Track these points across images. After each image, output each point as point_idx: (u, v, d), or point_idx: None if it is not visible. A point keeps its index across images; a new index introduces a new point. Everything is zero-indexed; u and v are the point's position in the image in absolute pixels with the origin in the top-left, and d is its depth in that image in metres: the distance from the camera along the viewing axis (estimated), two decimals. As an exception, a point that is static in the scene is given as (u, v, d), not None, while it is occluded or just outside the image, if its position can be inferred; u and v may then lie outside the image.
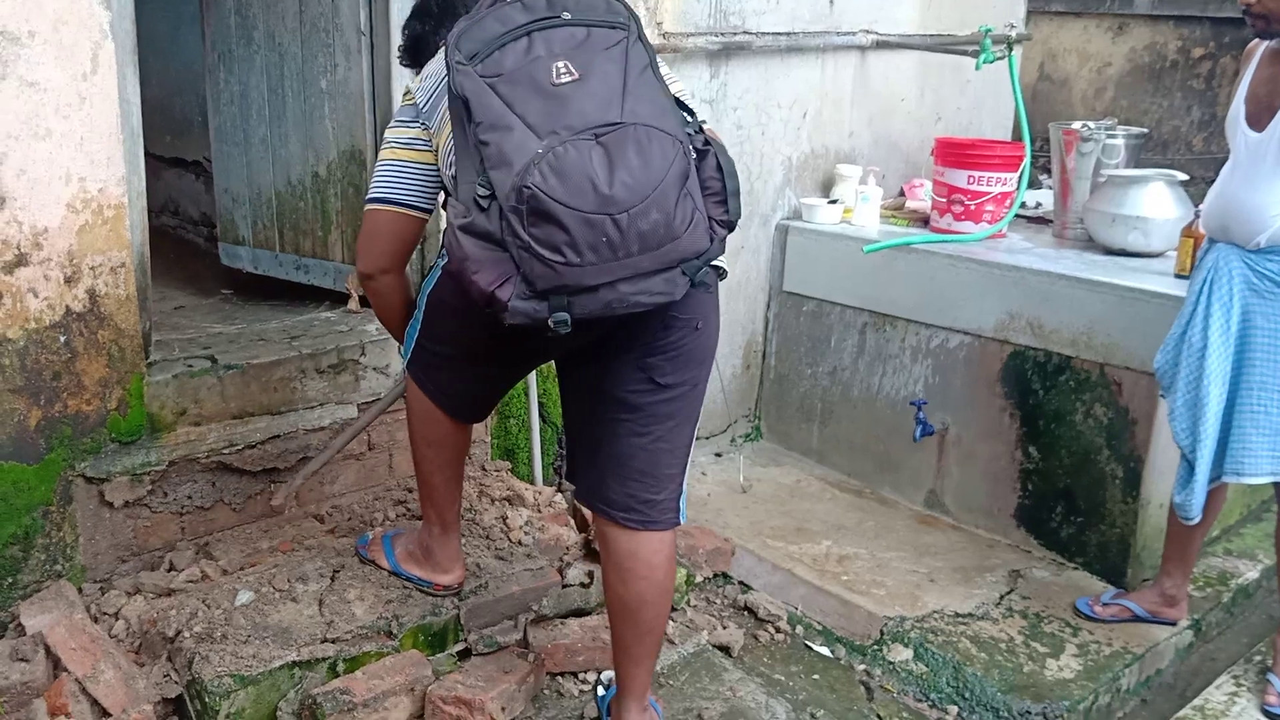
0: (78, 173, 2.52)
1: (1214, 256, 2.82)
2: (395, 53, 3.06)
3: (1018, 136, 4.15)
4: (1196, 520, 2.91)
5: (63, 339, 2.58)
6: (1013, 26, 4.03)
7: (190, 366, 2.86)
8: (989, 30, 3.95)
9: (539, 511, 3.17)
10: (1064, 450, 3.51)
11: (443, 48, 2.03)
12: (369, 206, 2.19)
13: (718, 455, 4.19)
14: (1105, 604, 3.21)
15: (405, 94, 2.21)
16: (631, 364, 2.14)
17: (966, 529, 3.74)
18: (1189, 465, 2.87)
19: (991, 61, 4.00)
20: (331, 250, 3.36)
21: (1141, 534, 3.39)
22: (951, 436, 3.79)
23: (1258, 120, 2.72)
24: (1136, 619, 3.17)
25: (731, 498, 3.87)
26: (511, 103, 1.81)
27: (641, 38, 1.93)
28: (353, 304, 3.35)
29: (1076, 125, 3.90)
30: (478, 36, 1.85)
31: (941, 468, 3.84)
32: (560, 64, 1.83)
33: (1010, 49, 4.00)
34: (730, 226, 1.95)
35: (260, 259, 3.56)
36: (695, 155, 1.89)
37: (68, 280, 2.56)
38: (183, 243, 4.46)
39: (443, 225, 3.11)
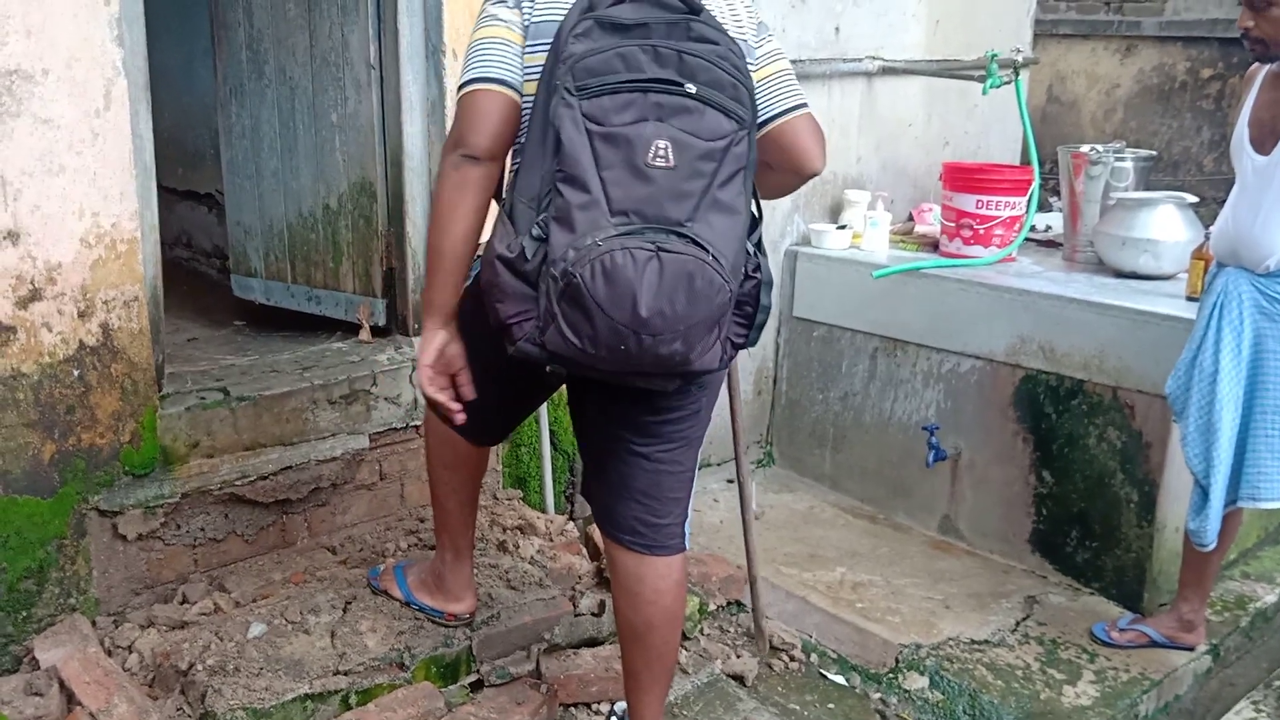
0: (91, 208, 2.54)
1: (1223, 280, 2.83)
2: (404, 86, 3.11)
3: (1026, 160, 4.16)
4: (1212, 546, 2.90)
5: (76, 373, 2.59)
6: (1019, 51, 4.05)
7: (203, 399, 2.88)
8: (995, 55, 3.96)
9: (551, 540, 3.16)
10: (1078, 474, 3.50)
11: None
12: (473, 88, 1.97)
13: (729, 481, 4.18)
14: (1122, 629, 3.19)
15: None
16: (635, 389, 2.13)
17: (981, 554, 3.72)
18: (1203, 491, 2.86)
19: (998, 86, 4.01)
20: (343, 281, 3.38)
21: (1157, 558, 3.37)
22: (965, 461, 3.78)
23: (1262, 144, 2.73)
24: (1154, 644, 3.15)
25: (740, 527, 3.85)
26: (601, 164, 1.78)
27: (751, 133, 1.88)
28: (364, 334, 3.36)
29: (1085, 149, 3.90)
30: (595, 68, 1.79)
31: (955, 493, 3.83)
32: (662, 144, 1.79)
33: (1017, 73, 4.02)
34: (744, 348, 1.98)
35: (272, 290, 3.58)
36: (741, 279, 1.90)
37: (81, 314, 2.58)
38: (195, 275, 4.49)
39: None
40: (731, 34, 1.94)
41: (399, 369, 3.19)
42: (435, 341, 2.08)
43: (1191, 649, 3.15)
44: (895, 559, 3.66)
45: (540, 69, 1.93)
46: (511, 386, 2.30)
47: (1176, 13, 6.36)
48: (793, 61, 2.07)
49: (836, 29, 4.12)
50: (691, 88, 1.81)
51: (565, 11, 1.91)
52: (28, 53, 2.39)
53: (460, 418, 2.12)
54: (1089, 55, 6.51)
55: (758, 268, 1.93)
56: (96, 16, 2.47)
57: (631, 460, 2.19)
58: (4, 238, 2.43)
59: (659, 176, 1.79)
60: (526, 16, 1.97)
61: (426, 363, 2.09)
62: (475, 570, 2.91)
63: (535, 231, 1.81)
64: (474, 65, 1.98)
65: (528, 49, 1.96)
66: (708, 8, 1.95)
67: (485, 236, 2.00)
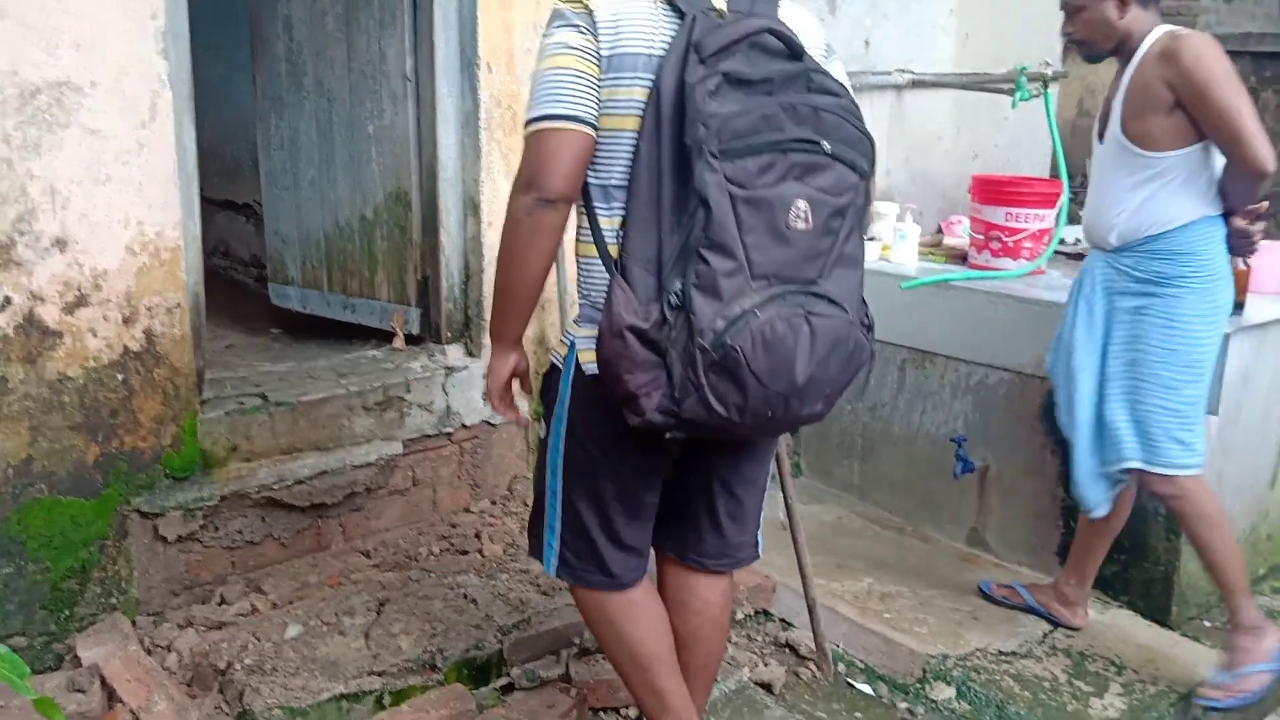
0: (136, 216, 2.61)
1: (1085, 262, 3.04)
2: (440, 98, 3.17)
3: (1056, 173, 4.17)
4: (1099, 513, 3.04)
5: (120, 377, 2.65)
6: (1048, 64, 4.06)
7: (242, 404, 2.93)
8: (1024, 69, 3.98)
9: (581, 547, 3.19)
10: (1106, 487, 3.48)
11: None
12: (543, 125, 1.83)
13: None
14: (1001, 585, 3.34)
15: None
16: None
17: (1009, 566, 3.71)
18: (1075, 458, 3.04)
19: (1027, 99, 4.02)
20: (378, 290, 3.44)
21: (1185, 571, 3.36)
22: (993, 473, 3.78)
23: (1100, 133, 2.91)
24: (1028, 609, 3.27)
25: (772, 534, 3.81)
26: (743, 228, 1.74)
27: (870, 183, 1.88)
28: (398, 342, 3.41)
29: (1115, 162, 3.90)
30: (741, 130, 1.74)
31: (983, 505, 3.82)
32: (802, 205, 1.77)
33: (1046, 87, 4.03)
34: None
35: (309, 299, 3.64)
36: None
37: (126, 320, 2.64)
38: (234, 283, 4.57)
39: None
40: (815, 55, 1.93)
41: (432, 376, 3.24)
42: (508, 366, 2.07)
43: (1071, 628, 3.21)
44: (923, 570, 3.66)
45: (624, 104, 1.84)
46: (626, 481, 2.06)
47: (1209, 26, 6.34)
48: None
49: (866, 42, 4.14)
50: (827, 146, 1.79)
51: (648, 41, 1.84)
52: (77, 65, 2.46)
53: (525, 419, 2.10)
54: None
55: (867, 313, 1.93)
56: (144, 31, 2.54)
57: (724, 499, 2.15)
58: (52, 245, 2.50)
59: (798, 238, 1.77)
60: (602, 45, 1.84)
61: (499, 384, 2.08)
62: (505, 576, 2.95)
63: (673, 300, 1.74)
64: (545, 99, 1.84)
65: (605, 82, 1.84)
66: (786, 26, 1.91)
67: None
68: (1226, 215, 2.79)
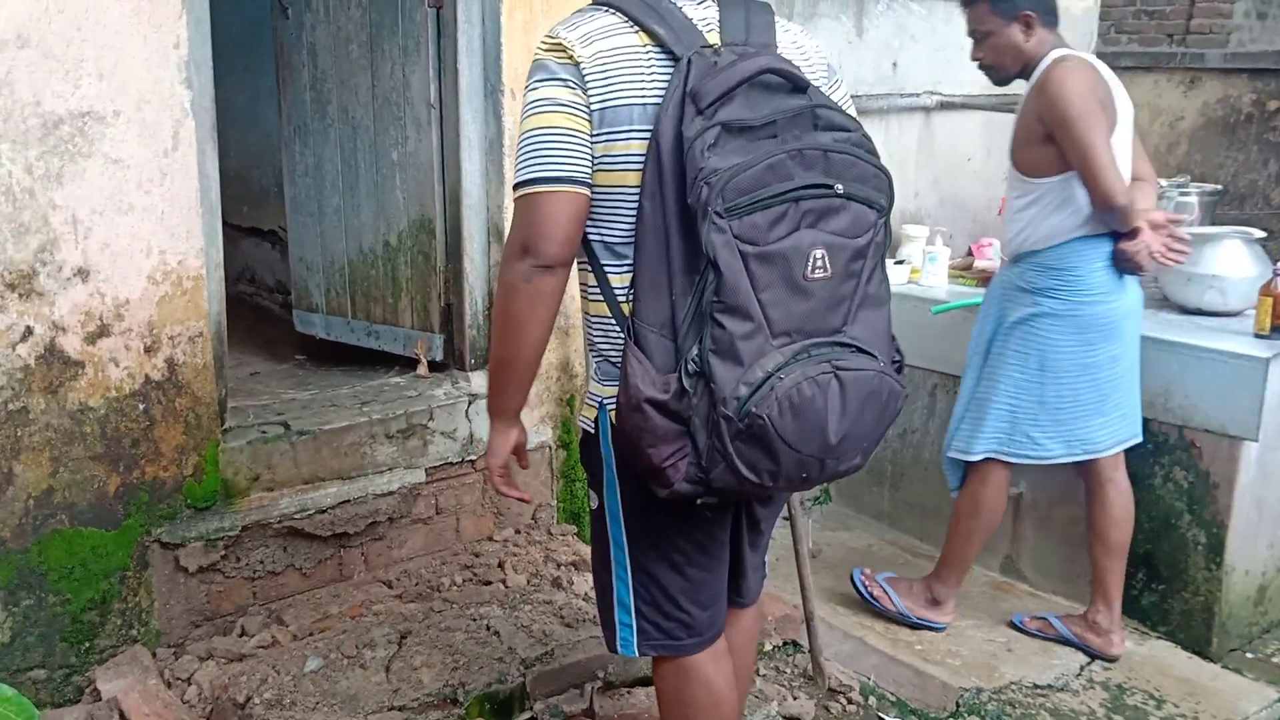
0: (158, 245, 2.60)
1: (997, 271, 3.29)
2: (463, 125, 3.15)
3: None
4: (952, 490, 3.27)
5: (142, 407, 2.64)
6: (1081, 85, 3.99)
7: (264, 433, 2.91)
8: (1056, 89, 3.91)
9: (606, 577, 3.15)
10: (1143, 515, 3.41)
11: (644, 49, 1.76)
12: (535, 190, 1.75)
13: (785, 519, 4.14)
14: (1033, 617, 3.36)
15: (552, 44, 1.79)
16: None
17: (1044, 596, 3.64)
18: None
19: (1059, 120, 3.95)
20: (401, 316, 3.42)
21: (1226, 601, 3.28)
22: (1027, 501, 3.71)
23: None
24: (1063, 640, 3.26)
25: (794, 563, 3.81)
26: (758, 285, 1.67)
27: (888, 218, 1.82)
28: (421, 369, 3.39)
29: (1149, 183, 3.84)
30: (746, 186, 1.65)
31: (1017, 533, 3.76)
32: (819, 254, 1.70)
33: (1078, 108, 3.96)
34: None
35: (333, 325, 3.63)
36: None
37: (147, 350, 2.63)
38: (258, 309, 4.56)
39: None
40: (816, 80, 1.87)
41: (455, 404, 3.21)
42: (508, 443, 1.98)
43: (1108, 659, 3.19)
44: (957, 599, 3.59)
45: (621, 159, 1.76)
46: (701, 531, 1.96)
47: (1241, 44, 6.26)
48: (851, 97, 2.04)
49: (894, 64, 4.11)
50: (840, 188, 1.72)
51: (641, 90, 1.75)
52: (100, 95, 2.46)
53: (528, 496, 2.05)
54: (1152, 88, 6.42)
55: (897, 349, 1.87)
56: (167, 60, 2.54)
57: (750, 534, 2.09)
58: (74, 274, 2.49)
59: (817, 288, 1.71)
60: (592, 99, 1.75)
61: (500, 462, 1.99)
62: (529, 608, 2.91)
63: (691, 367, 1.67)
64: (536, 160, 1.75)
65: (599, 137, 1.76)
66: (778, 48, 1.85)
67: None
68: (1121, 235, 2.90)
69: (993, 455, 3.13)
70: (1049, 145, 2.86)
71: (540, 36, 2.88)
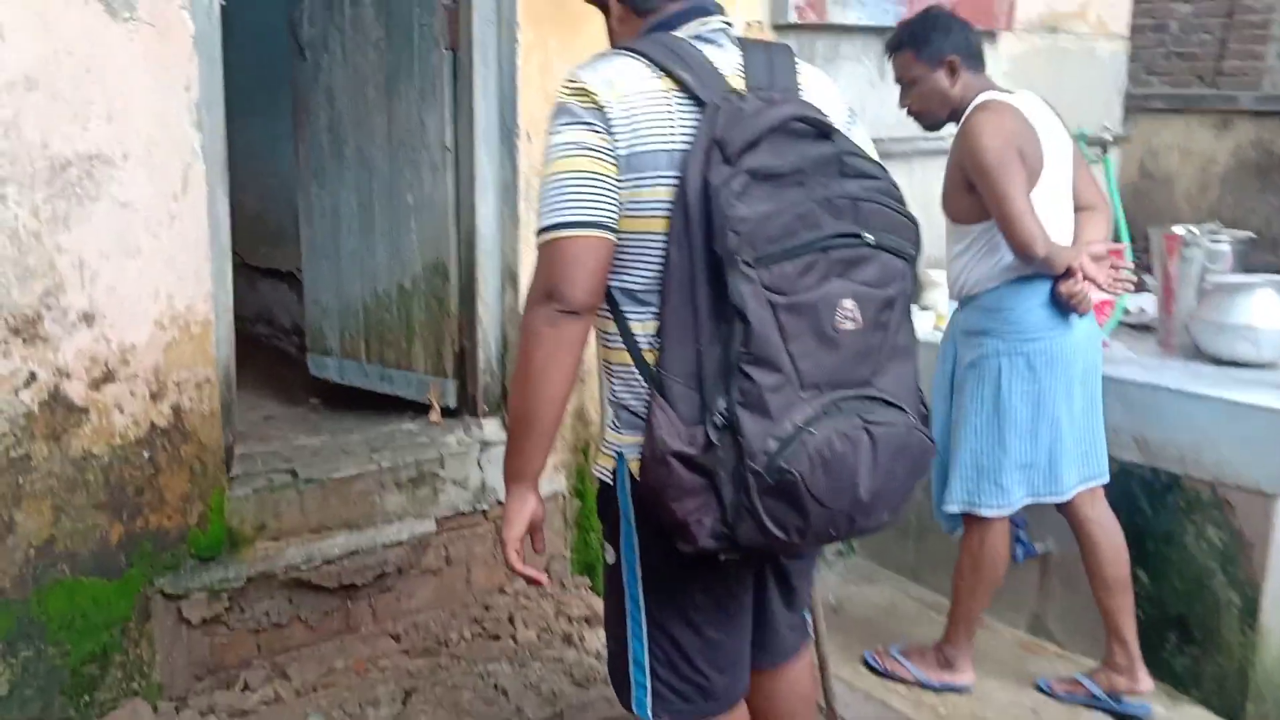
0: (166, 290, 2.56)
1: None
2: (479, 167, 3.11)
3: (1118, 240, 4.01)
4: (952, 533, 3.20)
5: (146, 454, 2.59)
6: (1107, 129, 3.92)
7: (271, 481, 2.86)
8: (1083, 134, 3.84)
9: (619, 631, 3.06)
10: (1175, 575, 3.30)
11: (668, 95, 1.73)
12: (558, 234, 1.70)
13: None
14: (1061, 680, 3.24)
15: (575, 88, 1.75)
16: None
17: (1073, 657, 3.51)
18: None
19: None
20: (415, 361, 3.37)
21: (1261, 666, 3.15)
22: (1055, 559, 3.59)
23: None
24: (1093, 700, 3.15)
25: (822, 618, 3.71)
26: (787, 336, 1.62)
27: (916, 270, 1.79)
28: (434, 415, 3.33)
29: (1178, 229, 3.75)
30: (775, 234, 1.62)
31: (1045, 590, 3.64)
32: (849, 305, 1.66)
33: (1105, 151, 3.88)
34: None
35: (347, 369, 3.58)
36: None
37: (153, 396, 2.58)
38: (275, 351, 4.53)
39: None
40: (838, 124, 1.83)
41: (467, 451, 3.15)
42: (526, 511, 1.86)
43: (1137, 692, 3.10)
44: (982, 659, 3.47)
45: (648, 205, 1.72)
46: (721, 589, 1.90)
47: (1275, 86, 6.17)
48: (873, 140, 1.98)
49: (919, 108, 4.04)
50: (870, 237, 1.69)
51: (668, 136, 1.71)
52: (109, 137, 2.43)
53: (544, 578, 1.94)
54: (1183, 130, 6.34)
55: (923, 401, 1.83)
56: (177, 101, 2.51)
57: (780, 591, 2.03)
58: (80, 319, 2.45)
59: (847, 339, 1.67)
60: (619, 143, 1.70)
61: (517, 534, 1.85)
62: (538, 666, 2.83)
63: (718, 419, 1.63)
64: (561, 205, 1.70)
65: (625, 183, 1.71)
66: (800, 90, 1.83)
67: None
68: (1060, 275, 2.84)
69: (968, 510, 3.06)
70: (973, 192, 2.84)
71: (558, 79, 2.84)
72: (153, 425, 2.59)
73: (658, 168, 1.71)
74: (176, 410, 2.62)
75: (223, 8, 2.68)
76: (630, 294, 1.77)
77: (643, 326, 1.77)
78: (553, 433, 1.83)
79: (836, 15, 3.70)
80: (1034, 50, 4.48)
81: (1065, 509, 3.11)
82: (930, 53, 2.87)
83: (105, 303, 2.48)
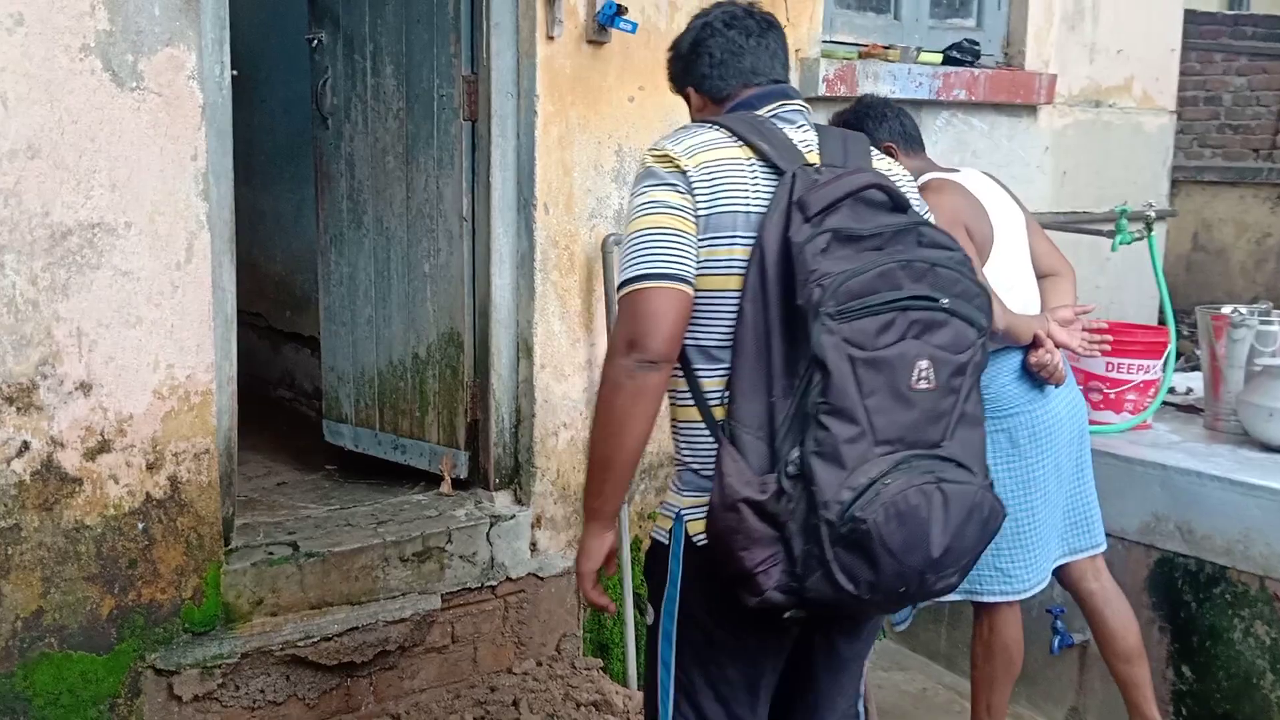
0: (166, 360, 2.53)
1: None
2: (495, 238, 3.07)
3: (1163, 319, 3.87)
4: (900, 627, 3.17)
5: (141, 526, 2.54)
6: (1151, 205, 3.80)
7: (270, 554, 2.80)
8: (1125, 210, 3.73)
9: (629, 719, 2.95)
10: (1221, 672, 3.12)
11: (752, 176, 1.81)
12: (641, 285, 1.77)
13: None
14: None
15: (659, 154, 1.85)
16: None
17: (1112, 755, 3.33)
18: None
19: (1129, 242, 3.76)
20: (428, 431, 3.31)
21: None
22: (1094, 650, 3.42)
23: None
24: None
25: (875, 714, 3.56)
26: (864, 391, 1.66)
27: (986, 338, 1.82)
28: (445, 487, 3.27)
29: (1226, 309, 3.60)
30: (857, 290, 1.67)
31: (1084, 684, 3.46)
32: (924, 365, 1.70)
33: (1149, 228, 3.76)
34: None
35: (361, 438, 3.54)
36: None
37: (150, 467, 2.54)
38: (296, 416, 4.50)
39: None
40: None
41: (476, 525, 3.07)
42: (604, 544, 1.93)
43: None
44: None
45: (724, 264, 1.79)
46: (751, 662, 1.91)
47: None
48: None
49: (955, 180, 3.95)
50: (946, 301, 1.73)
51: (745, 199, 1.80)
52: (111, 206, 2.41)
53: (614, 606, 2.00)
54: (1237, 203, 6.19)
55: (988, 472, 1.84)
56: (183, 171, 2.49)
57: (824, 680, 1.98)
58: (76, 388, 2.42)
59: (921, 399, 1.70)
60: (699, 203, 1.80)
61: (595, 566, 1.93)
62: (540, 753, 2.72)
63: (790, 469, 1.66)
64: (644, 258, 1.78)
65: (704, 242, 1.79)
66: (888, 179, 1.86)
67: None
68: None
69: (968, 598, 2.92)
70: None
71: (579, 151, 2.90)
72: (148, 496, 2.54)
73: (735, 228, 1.79)
74: (174, 481, 2.57)
75: (243, 79, 2.68)
76: (703, 350, 1.82)
77: (712, 384, 1.82)
78: (630, 475, 1.89)
79: (868, 88, 3.63)
80: (1076, 124, 4.38)
81: (1066, 583, 3.00)
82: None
83: (103, 372, 2.45)
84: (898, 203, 1.79)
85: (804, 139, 1.88)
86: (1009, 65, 4.19)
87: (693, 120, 2.01)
